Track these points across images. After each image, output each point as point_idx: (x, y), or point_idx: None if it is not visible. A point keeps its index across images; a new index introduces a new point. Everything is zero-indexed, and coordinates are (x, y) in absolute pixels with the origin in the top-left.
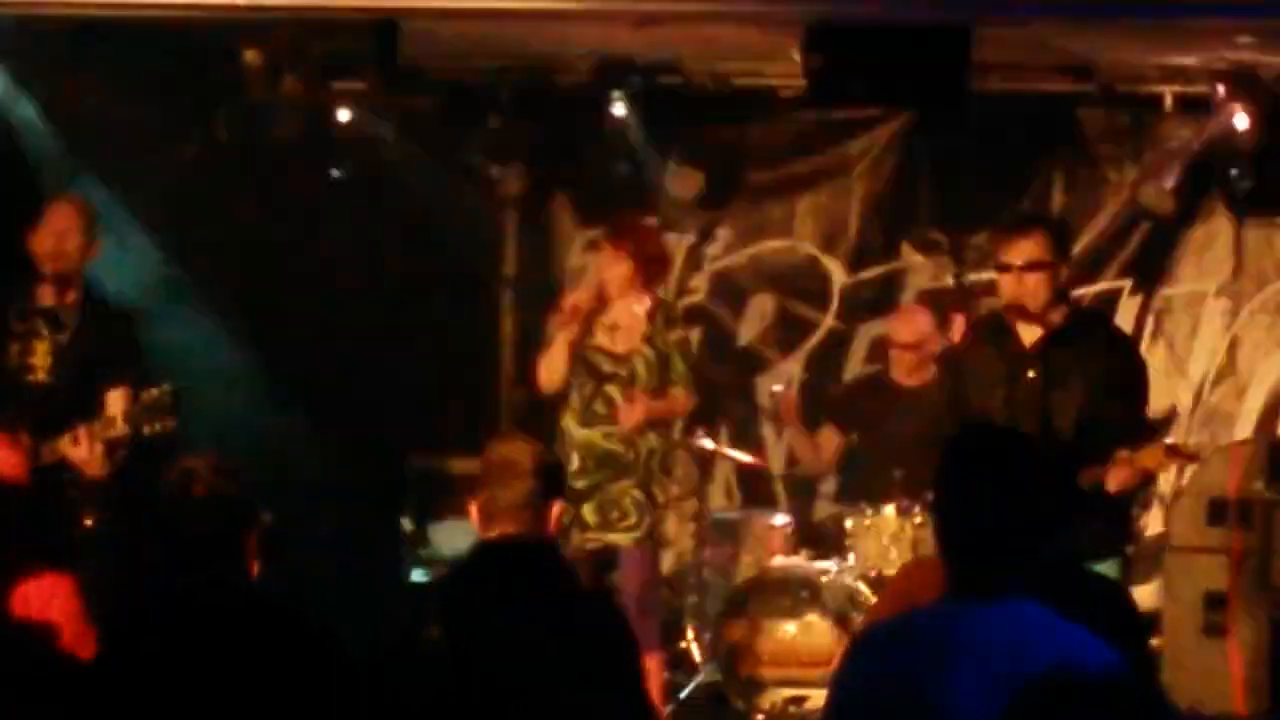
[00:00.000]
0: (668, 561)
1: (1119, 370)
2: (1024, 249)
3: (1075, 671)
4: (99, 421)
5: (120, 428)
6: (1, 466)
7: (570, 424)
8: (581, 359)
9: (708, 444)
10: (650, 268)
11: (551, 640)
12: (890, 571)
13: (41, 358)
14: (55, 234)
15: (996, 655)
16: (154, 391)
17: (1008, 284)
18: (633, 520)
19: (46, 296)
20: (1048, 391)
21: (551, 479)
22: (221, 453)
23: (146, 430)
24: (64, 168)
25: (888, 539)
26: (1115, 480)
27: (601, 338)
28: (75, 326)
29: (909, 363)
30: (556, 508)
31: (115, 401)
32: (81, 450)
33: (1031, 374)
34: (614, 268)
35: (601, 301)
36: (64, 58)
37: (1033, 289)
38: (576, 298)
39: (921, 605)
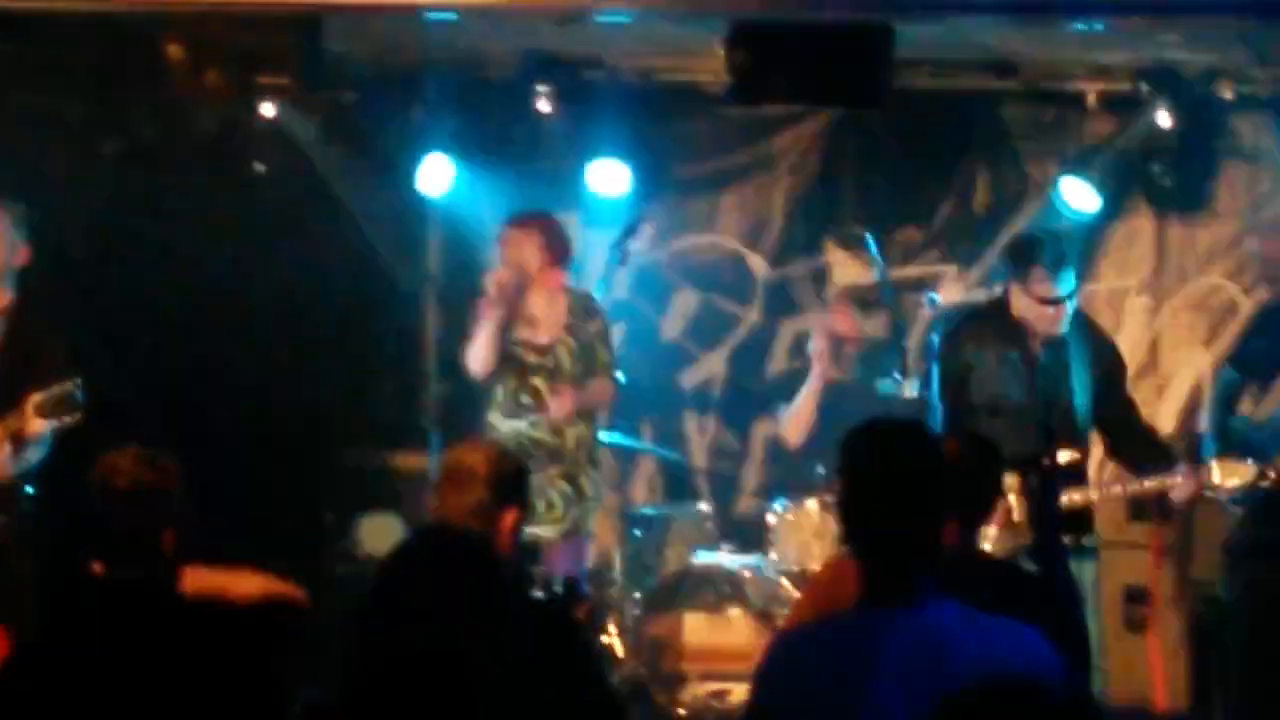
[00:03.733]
0: (591, 555)
1: None
2: None
3: (999, 672)
4: (11, 417)
5: (32, 421)
6: None
7: (495, 418)
8: (504, 353)
9: None
10: (557, 245)
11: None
12: (813, 567)
13: None
14: None
15: (918, 660)
16: (65, 385)
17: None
18: (559, 512)
19: None
20: None
21: (507, 487)
22: (150, 446)
23: (55, 422)
24: None
25: (810, 534)
26: None
27: (523, 330)
28: (3, 333)
29: (831, 357)
30: (510, 516)
31: (32, 401)
32: None
33: None
34: (525, 245)
35: (523, 279)
36: None
37: None
38: (500, 274)
39: (846, 602)
